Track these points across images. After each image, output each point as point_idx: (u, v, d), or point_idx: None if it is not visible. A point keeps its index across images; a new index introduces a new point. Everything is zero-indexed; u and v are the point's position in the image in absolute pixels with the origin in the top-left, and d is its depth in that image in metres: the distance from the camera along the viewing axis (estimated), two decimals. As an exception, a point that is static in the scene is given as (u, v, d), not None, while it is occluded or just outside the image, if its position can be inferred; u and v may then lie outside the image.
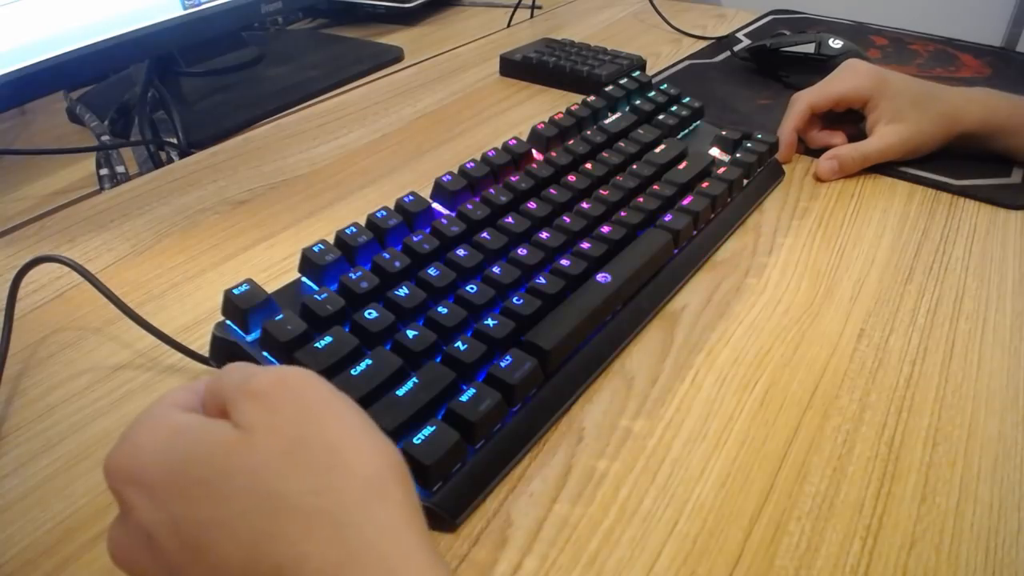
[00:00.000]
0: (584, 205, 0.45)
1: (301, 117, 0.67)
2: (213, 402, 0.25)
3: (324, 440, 0.23)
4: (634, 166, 0.50)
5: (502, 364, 0.34)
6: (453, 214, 0.44)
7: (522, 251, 0.41)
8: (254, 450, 0.22)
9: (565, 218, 0.44)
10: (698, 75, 0.77)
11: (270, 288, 0.37)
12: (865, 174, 0.58)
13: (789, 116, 0.60)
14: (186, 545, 0.22)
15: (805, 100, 0.60)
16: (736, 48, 0.82)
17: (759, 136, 0.56)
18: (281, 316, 0.34)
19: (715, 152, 0.55)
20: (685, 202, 0.47)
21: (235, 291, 0.35)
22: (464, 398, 0.32)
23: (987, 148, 0.59)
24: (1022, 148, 0.58)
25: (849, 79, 0.60)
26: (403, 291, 0.37)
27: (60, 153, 0.63)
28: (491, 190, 0.45)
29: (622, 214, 0.45)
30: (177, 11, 0.63)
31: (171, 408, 0.25)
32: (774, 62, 0.76)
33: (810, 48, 0.73)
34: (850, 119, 0.61)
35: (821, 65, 0.71)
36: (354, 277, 0.37)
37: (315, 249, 0.39)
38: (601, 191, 0.47)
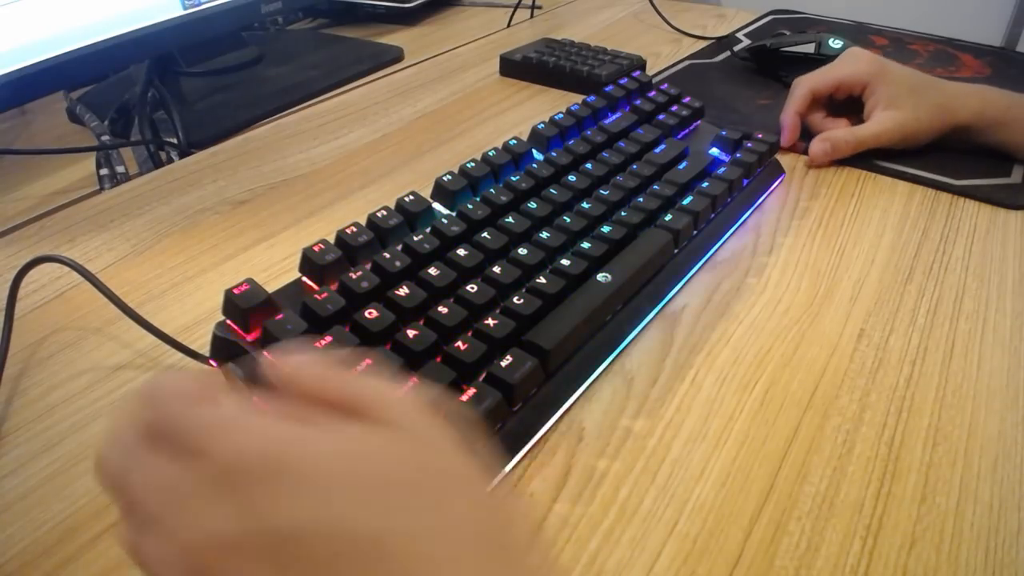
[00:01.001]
0: (584, 205, 0.45)
1: (301, 117, 0.67)
2: (336, 395, 0.21)
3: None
4: (634, 166, 0.50)
5: (502, 364, 0.34)
6: (454, 214, 0.44)
7: (522, 251, 0.41)
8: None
9: (565, 218, 0.44)
10: (698, 75, 0.77)
11: (270, 288, 0.37)
12: (865, 174, 0.58)
13: (791, 100, 0.61)
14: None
15: (806, 84, 0.61)
16: (736, 48, 0.82)
17: (759, 136, 0.56)
18: (281, 316, 0.34)
19: (715, 152, 0.55)
20: (685, 202, 0.47)
21: (235, 291, 0.35)
22: (464, 398, 0.32)
23: (983, 142, 0.59)
24: (1017, 142, 0.59)
25: (849, 65, 0.61)
26: (403, 291, 0.37)
27: (60, 153, 0.63)
28: (491, 190, 0.45)
29: (622, 214, 0.45)
30: (177, 11, 0.63)
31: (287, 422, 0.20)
32: (774, 62, 0.76)
33: (810, 48, 0.73)
34: (853, 111, 0.61)
35: (821, 65, 0.71)
36: (354, 277, 0.37)
37: (316, 249, 0.38)
38: (601, 191, 0.47)
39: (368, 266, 0.39)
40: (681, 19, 0.93)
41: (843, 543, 0.30)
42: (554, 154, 0.50)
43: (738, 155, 0.53)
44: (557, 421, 0.36)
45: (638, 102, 0.58)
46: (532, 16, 0.96)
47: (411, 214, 0.42)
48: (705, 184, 0.49)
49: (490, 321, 0.36)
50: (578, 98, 0.59)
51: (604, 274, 0.40)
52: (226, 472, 0.19)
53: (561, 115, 0.55)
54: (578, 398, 0.37)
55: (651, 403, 0.37)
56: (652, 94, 0.60)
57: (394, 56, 0.81)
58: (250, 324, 0.35)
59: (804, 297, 0.45)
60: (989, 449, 0.35)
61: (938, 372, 0.40)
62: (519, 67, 0.75)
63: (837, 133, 0.59)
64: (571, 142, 0.52)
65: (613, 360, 0.39)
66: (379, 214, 0.41)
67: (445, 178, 0.46)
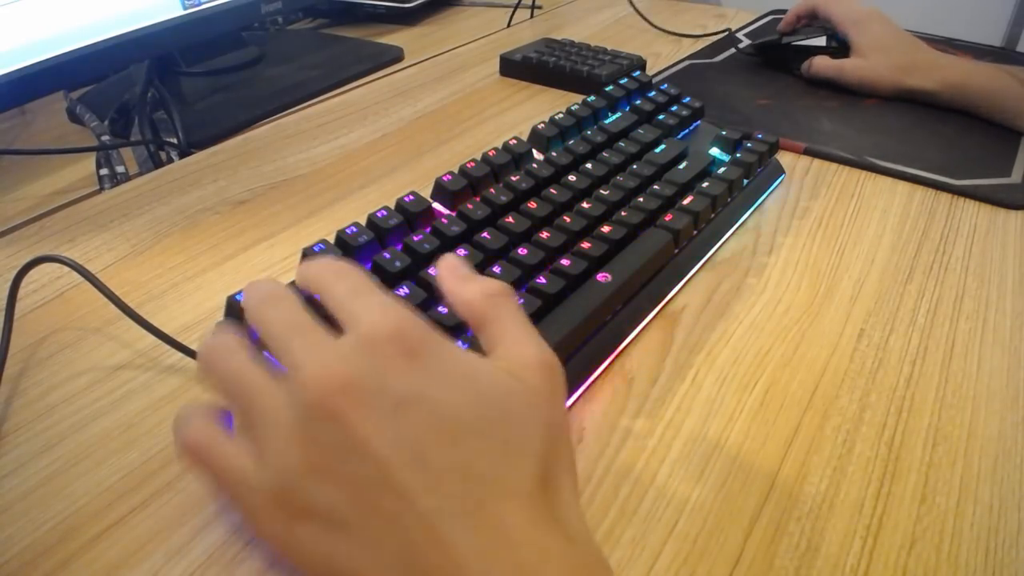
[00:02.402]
0: (584, 205, 0.45)
1: (301, 117, 0.67)
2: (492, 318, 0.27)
3: None
4: (634, 166, 0.50)
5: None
6: (453, 214, 0.44)
7: (522, 251, 0.41)
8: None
9: (565, 218, 0.44)
10: (698, 75, 0.77)
11: (270, 288, 0.37)
12: (865, 174, 0.59)
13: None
14: None
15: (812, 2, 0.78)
16: (740, 46, 0.83)
17: (759, 136, 0.56)
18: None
19: (715, 152, 0.55)
20: (685, 202, 0.47)
21: (237, 297, 0.35)
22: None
23: (975, 113, 0.67)
24: (998, 114, 0.66)
25: (843, 6, 0.75)
26: (403, 291, 0.37)
27: (60, 153, 0.63)
28: (491, 190, 0.45)
29: (622, 214, 0.45)
30: (177, 11, 0.63)
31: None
32: (785, 56, 0.77)
33: (821, 41, 0.75)
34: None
35: (835, 55, 0.74)
36: (354, 277, 0.37)
37: (315, 249, 0.38)
38: (601, 191, 0.47)
39: (368, 266, 0.39)
40: (681, 19, 0.93)
41: (843, 543, 0.30)
42: (554, 154, 0.50)
43: (738, 155, 0.53)
44: (557, 421, 0.36)
45: (638, 102, 0.58)
46: (532, 16, 0.96)
47: (411, 214, 0.42)
48: (705, 184, 0.49)
49: (490, 321, 0.36)
50: (578, 98, 0.59)
51: (604, 274, 0.40)
52: (372, 336, 0.24)
53: (561, 115, 0.55)
54: (578, 398, 0.37)
55: (651, 403, 0.37)
56: (652, 94, 0.60)
57: (394, 56, 0.81)
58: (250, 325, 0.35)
59: (804, 297, 0.45)
60: (989, 449, 0.35)
61: (938, 372, 0.40)
62: (519, 67, 0.75)
63: (817, 58, 0.74)
64: (571, 142, 0.52)
65: (613, 360, 0.39)
66: (379, 214, 0.41)
67: (445, 178, 0.46)
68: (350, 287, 0.27)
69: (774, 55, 0.78)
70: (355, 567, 0.23)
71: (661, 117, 0.57)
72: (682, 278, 0.45)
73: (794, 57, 0.76)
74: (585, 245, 0.42)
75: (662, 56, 0.82)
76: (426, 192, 0.45)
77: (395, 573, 0.22)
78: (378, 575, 0.22)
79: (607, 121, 0.56)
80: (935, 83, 0.68)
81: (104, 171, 0.59)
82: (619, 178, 0.48)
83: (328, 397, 0.23)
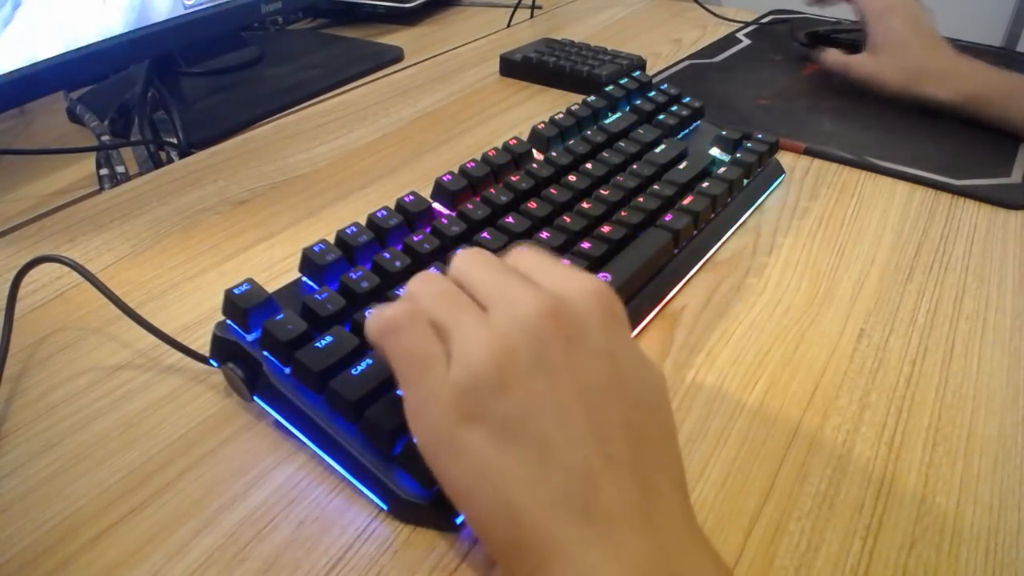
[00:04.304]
0: (584, 205, 0.45)
1: (301, 117, 0.67)
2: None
3: None
4: (634, 166, 0.50)
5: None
6: (453, 214, 0.44)
7: (522, 251, 0.41)
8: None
9: (565, 218, 0.44)
10: (698, 75, 0.77)
11: (270, 288, 0.37)
12: (865, 174, 0.59)
13: None
14: None
15: None
16: (796, 33, 0.84)
17: (759, 136, 0.56)
18: (282, 316, 0.34)
19: (715, 152, 0.55)
20: (685, 202, 0.47)
21: (236, 291, 0.35)
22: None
23: (985, 124, 0.64)
24: (998, 117, 0.64)
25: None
26: (404, 291, 0.37)
27: (60, 153, 0.63)
28: (491, 190, 0.45)
29: (622, 214, 0.45)
30: (177, 11, 0.63)
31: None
32: (825, 48, 0.78)
33: (856, 36, 0.77)
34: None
35: (855, 49, 0.74)
36: (355, 277, 0.37)
37: (316, 249, 0.38)
38: (601, 191, 0.47)
39: (368, 266, 0.39)
40: (681, 19, 0.93)
41: (843, 543, 0.30)
42: (554, 154, 0.50)
43: (738, 155, 0.53)
44: (557, 421, 0.36)
45: (638, 102, 0.58)
46: (532, 16, 0.96)
47: (411, 214, 0.42)
48: (705, 184, 0.49)
49: (490, 321, 0.36)
50: (578, 98, 0.59)
51: (604, 274, 0.40)
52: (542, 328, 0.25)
53: (561, 115, 0.55)
54: (578, 398, 0.37)
55: (651, 403, 0.37)
56: (652, 94, 0.60)
57: (394, 56, 0.81)
58: (250, 324, 0.35)
59: (804, 297, 0.45)
60: (989, 449, 0.35)
61: (938, 372, 0.40)
62: (519, 67, 0.75)
63: (828, 51, 0.73)
64: (571, 142, 0.52)
65: (613, 360, 0.39)
66: (379, 214, 0.41)
67: (445, 178, 0.46)
68: (549, 259, 0.29)
69: (818, 45, 0.79)
70: (509, 485, 0.23)
71: (661, 117, 0.57)
72: (682, 278, 0.45)
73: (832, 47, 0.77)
74: (585, 245, 0.42)
75: (662, 56, 0.82)
76: (426, 192, 0.45)
77: (554, 507, 0.23)
78: (533, 499, 0.23)
79: (607, 121, 0.56)
80: (948, 93, 0.65)
81: (104, 171, 0.59)
82: (619, 178, 0.48)
83: (540, 318, 0.25)
